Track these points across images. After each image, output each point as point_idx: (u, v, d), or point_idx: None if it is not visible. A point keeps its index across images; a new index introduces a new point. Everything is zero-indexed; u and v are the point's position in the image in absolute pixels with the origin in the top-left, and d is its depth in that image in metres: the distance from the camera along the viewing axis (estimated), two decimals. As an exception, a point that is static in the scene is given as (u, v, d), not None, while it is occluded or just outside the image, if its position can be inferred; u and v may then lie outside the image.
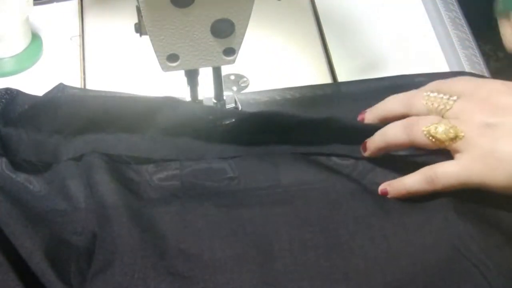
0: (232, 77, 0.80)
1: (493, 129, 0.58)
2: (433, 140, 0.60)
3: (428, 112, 0.62)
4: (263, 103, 0.74)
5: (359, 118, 0.67)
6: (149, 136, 0.67)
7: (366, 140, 0.65)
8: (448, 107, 0.61)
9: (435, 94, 0.62)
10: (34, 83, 0.81)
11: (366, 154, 0.65)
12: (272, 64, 0.82)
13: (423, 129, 0.60)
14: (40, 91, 0.79)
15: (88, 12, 0.88)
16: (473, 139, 0.59)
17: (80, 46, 0.84)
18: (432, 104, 0.62)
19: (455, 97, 0.61)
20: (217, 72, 0.69)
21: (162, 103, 0.67)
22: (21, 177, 0.64)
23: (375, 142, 0.64)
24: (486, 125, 0.59)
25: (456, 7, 0.89)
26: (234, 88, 0.79)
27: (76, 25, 0.87)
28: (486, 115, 0.59)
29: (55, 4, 0.89)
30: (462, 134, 0.59)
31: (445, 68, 0.81)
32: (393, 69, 0.81)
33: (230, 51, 0.64)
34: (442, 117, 0.61)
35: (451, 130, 0.60)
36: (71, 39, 0.85)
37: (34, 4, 0.83)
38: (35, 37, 0.85)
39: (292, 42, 0.84)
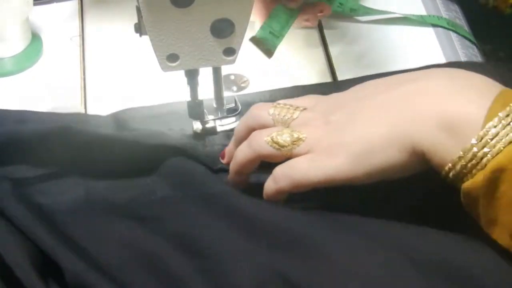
0: (232, 77, 0.80)
1: (332, 124, 0.58)
2: (277, 146, 0.59)
3: (275, 124, 0.61)
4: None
5: (221, 156, 0.67)
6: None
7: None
8: (295, 116, 0.61)
9: (282, 105, 0.62)
10: (34, 83, 0.81)
11: (230, 181, 0.64)
12: (272, 64, 0.81)
13: (265, 138, 0.60)
14: (40, 91, 0.80)
15: (88, 12, 0.88)
16: (315, 138, 0.58)
17: (80, 46, 0.84)
18: (279, 113, 0.61)
19: (302, 108, 0.61)
20: (217, 72, 0.69)
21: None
22: None
23: (231, 170, 0.64)
24: (326, 123, 0.59)
25: (456, 7, 0.89)
26: (234, 88, 0.79)
27: (76, 25, 0.87)
28: (326, 116, 0.59)
29: (55, 4, 0.89)
30: (304, 135, 0.58)
31: (445, 68, 0.81)
32: (393, 69, 0.80)
33: (230, 51, 0.65)
34: (287, 127, 0.60)
35: (294, 134, 0.59)
36: (71, 39, 0.85)
37: (34, 4, 0.82)
38: (35, 37, 0.84)
39: (292, 42, 0.84)
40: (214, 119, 0.71)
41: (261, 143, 0.60)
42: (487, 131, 0.50)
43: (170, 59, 0.64)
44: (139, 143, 0.67)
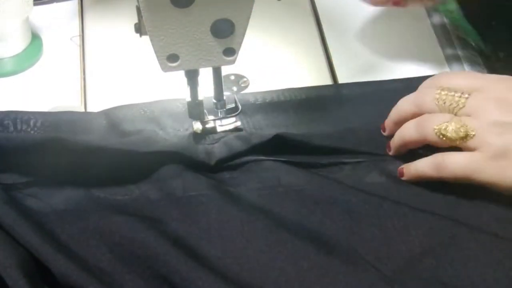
0: (232, 77, 0.80)
1: (506, 128, 0.58)
2: (444, 139, 0.60)
3: (440, 111, 0.62)
4: (266, 104, 0.74)
5: (381, 128, 0.69)
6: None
7: (389, 141, 0.67)
8: (460, 105, 0.61)
9: (446, 92, 0.62)
10: (34, 83, 0.81)
11: (391, 153, 0.67)
12: (272, 64, 0.82)
13: (434, 128, 0.61)
14: (40, 91, 0.80)
15: (88, 12, 0.88)
16: (484, 137, 0.59)
17: (80, 46, 0.84)
18: (444, 102, 0.62)
19: (467, 95, 0.61)
20: (217, 72, 0.69)
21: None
22: None
23: (394, 141, 0.66)
24: (498, 124, 0.59)
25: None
26: (234, 88, 0.79)
27: (76, 25, 0.87)
28: (499, 113, 0.59)
29: (55, 4, 0.89)
30: (473, 132, 0.59)
31: (445, 68, 0.81)
32: (393, 69, 0.81)
33: (230, 51, 0.64)
34: (455, 115, 0.61)
35: (462, 129, 0.60)
36: (71, 39, 0.85)
37: (34, 4, 0.82)
38: (35, 37, 0.84)
39: (292, 42, 0.84)
40: (214, 119, 0.71)
41: (429, 131, 0.61)
42: None
43: (170, 59, 0.64)
44: (131, 152, 0.67)
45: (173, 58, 0.64)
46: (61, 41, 0.85)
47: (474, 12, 0.86)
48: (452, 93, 0.62)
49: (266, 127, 0.72)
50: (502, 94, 0.60)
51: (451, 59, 0.82)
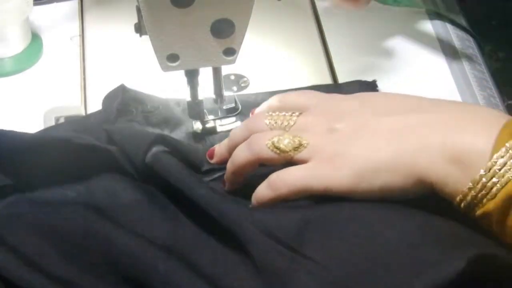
0: (232, 77, 0.80)
1: (336, 134, 0.58)
2: (278, 151, 0.59)
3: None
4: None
5: (208, 155, 0.67)
6: None
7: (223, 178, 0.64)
8: (291, 122, 0.60)
9: (277, 112, 0.62)
10: (34, 83, 0.81)
11: (227, 188, 0.64)
12: (272, 64, 0.82)
13: (267, 142, 0.59)
14: (40, 91, 0.80)
15: (88, 12, 0.88)
16: (317, 145, 0.58)
17: (80, 46, 0.84)
18: (276, 122, 0.61)
19: (297, 113, 0.61)
20: (217, 72, 0.69)
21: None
22: None
23: (228, 171, 0.63)
24: (329, 131, 0.58)
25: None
26: (234, 88, 0.79)
27: (76, 25, 0.87)
28: (329, 122, 0.59)
29: (55, 4, 0.89)
30: (306, 141, 0.58)
31: (445, 68, 0.81)
32: (393, 69, 0.81)
33: (230, 51, 0.65)
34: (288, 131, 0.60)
35: (295, 140, 0.58)
36: (71, 39, 0.85)
37: (34, 4, 0.82)
38: (35, 37, 0.84)
39: (292, 42, 0.84)
40: (214, 119, 0.71)
41: (262, 146, 0.59)
42: (495, 162, 0.51)
43: (170, 59, 0.64)
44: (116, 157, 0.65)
45: (173, 58, 0.64)
46: (61, 41, 0.85)
47: (474, 12, 0.86)
48: (283, 113, 0.61)
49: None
50: (332, 108, 0.60)
51: (451, 59, 0.82)
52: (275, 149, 0.59)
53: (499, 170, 0.51)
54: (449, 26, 0.86)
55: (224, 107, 0.72)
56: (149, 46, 0.63)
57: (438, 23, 0.86)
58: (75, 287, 0.56)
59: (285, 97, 0.64)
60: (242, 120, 0.71)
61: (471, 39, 0.85)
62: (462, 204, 0.53)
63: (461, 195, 0.52)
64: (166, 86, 0.76)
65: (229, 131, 0.71)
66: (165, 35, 0.62)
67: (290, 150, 0.58)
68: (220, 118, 0.72)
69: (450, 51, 0.83)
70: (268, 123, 0.62)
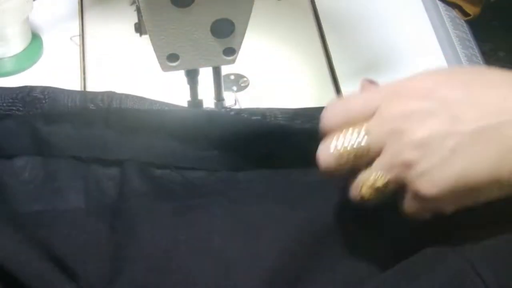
0: (232, 77, 0.80)
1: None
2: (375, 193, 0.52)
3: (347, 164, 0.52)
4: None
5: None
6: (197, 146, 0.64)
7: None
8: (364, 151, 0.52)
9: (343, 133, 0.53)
10: (34, 83, 0.81)
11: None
12: (272, 64, 0.82)
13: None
14: (40, 91, 0.80)
15: (88, 12, 0.88)
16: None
17: (80, 46, 0.84)
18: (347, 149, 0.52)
19: (363, 131, 0.52)
20: (217, 72, 0.69)
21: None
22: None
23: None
24: (415, 145, 0.50)
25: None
26: (234, 88, 0.79)
27: (76, 25, 0.87)
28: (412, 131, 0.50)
29: (55, 4, 0.89)
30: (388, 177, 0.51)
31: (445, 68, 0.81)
32: (393, 69, 0.81)
33: (230, 51, 0.65)
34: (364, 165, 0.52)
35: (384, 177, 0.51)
36: (71, 39, 0.85)
37: (34, 4, 0.83)
38: (35, 37, 0.85)
39: (292, 42, 0.84)
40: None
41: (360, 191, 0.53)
42: None
43: (170, 59, 0.64)
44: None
45: (173, 58, 0.64)
46: (61, 41, 0.85)
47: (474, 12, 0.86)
48: (350, 130, 0.52)
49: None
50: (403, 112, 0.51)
51: (451, 59, 0.82)
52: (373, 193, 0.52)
53: None
54: (449, 27, 0.86)
55: (224, 107, 0.72)
56: (149, 46, 0.63)
57: (438, 24, 0.86)
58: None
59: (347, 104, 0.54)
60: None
61: (471, 39, 0.85)
62: None
63: None
64: (166, 86, 0.77)
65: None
66: (165, 35, 0.62)
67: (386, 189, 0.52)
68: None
69: (450, 51, 0.83)
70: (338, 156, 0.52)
